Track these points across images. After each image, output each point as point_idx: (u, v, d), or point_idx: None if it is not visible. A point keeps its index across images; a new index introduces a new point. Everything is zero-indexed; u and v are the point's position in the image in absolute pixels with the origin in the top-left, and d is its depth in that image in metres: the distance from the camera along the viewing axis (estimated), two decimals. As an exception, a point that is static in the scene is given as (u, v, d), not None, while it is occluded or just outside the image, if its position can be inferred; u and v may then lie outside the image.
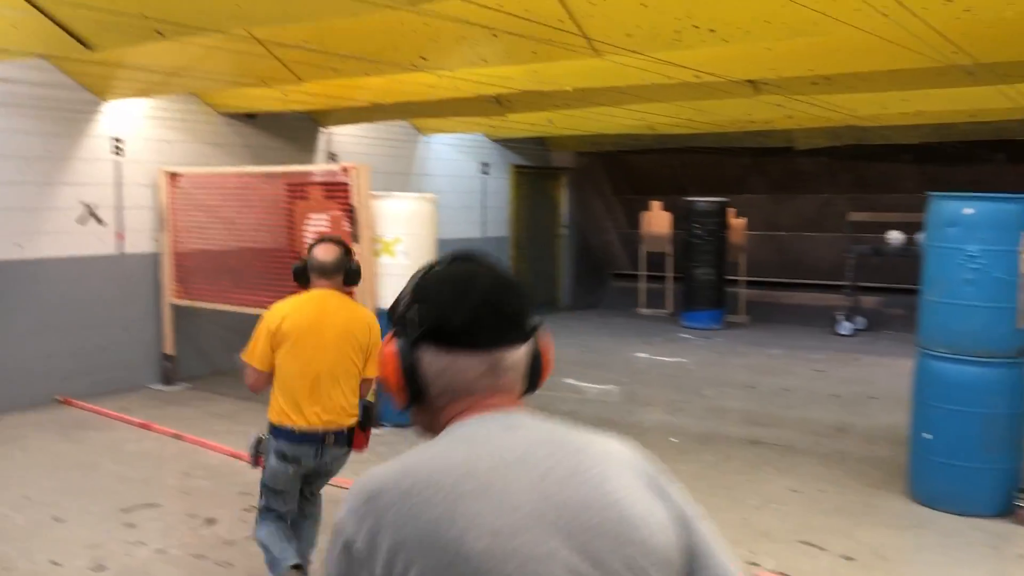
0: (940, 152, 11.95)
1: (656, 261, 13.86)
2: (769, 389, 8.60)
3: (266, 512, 3.85)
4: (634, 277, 14.42)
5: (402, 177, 11.08)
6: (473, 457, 1.21)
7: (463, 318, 1.28)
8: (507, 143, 12.81)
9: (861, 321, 12.07)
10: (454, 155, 11.99)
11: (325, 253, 3.72)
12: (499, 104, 8.58)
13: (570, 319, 13.44)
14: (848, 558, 4.54)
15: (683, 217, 12.70)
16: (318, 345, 3.65)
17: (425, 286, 1.32)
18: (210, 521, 4.95)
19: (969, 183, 12.31)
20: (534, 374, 1.36)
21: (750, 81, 6.90)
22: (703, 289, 12.45)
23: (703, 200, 12.48)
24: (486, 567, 1.11)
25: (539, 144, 13.45)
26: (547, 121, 10.34)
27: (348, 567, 1.17)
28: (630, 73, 6.28)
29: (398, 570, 1.11)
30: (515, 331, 1.32)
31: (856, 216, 11.89)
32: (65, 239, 7.69)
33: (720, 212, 12.42)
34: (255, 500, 5.24)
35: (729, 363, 9.97)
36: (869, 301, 12.58)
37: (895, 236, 11.10)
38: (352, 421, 3.75)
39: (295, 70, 6.57)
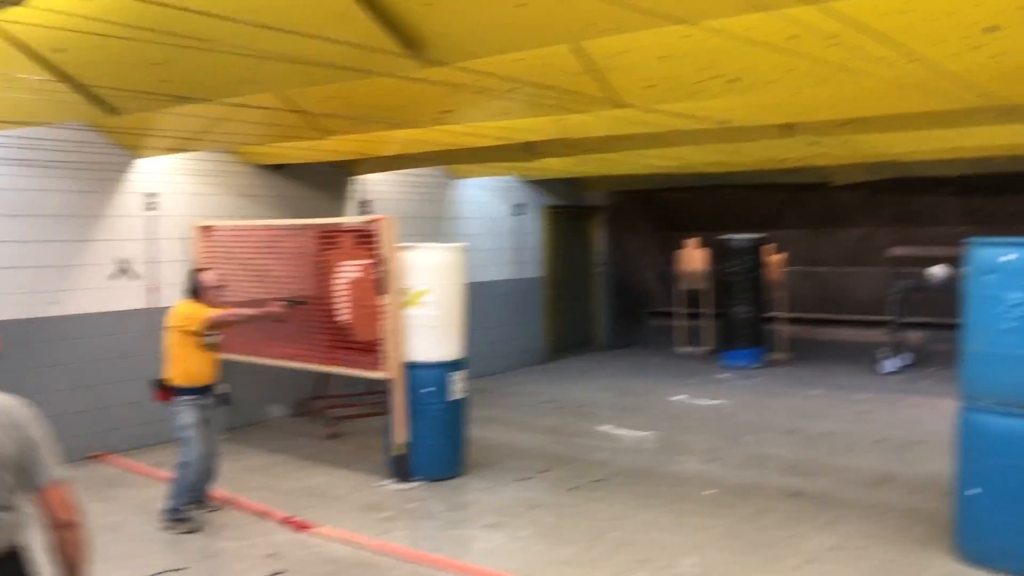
0: (982, 184, 11.67)
1: (693, 298, 13.70)
2: (810, 434, 8.38)
3: None
4: (672, 315, 14.26)
5: (435, 221, 11.10)
6: None
7: None
8: (540, 184, 12.79)
9: (905, 358, 11.76)
10: (487, 197, 11.99)
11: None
12: (527, 151, 8.57)
13: (607, 359, 13.30)
14: (891, 626, 4.35)
15: (720, 254, 12.54)
16: None
17: None
18: (235, 587, 4.90)
19: (1012, 216, 12.05)
20: None
21: (780, 125, 6.79)
22: (741, 327, 12.25)
23: (739, 236, 12.31)
24: None
25: (572, 184, 13.40)
26: (578, 164, 10.31)
27: None
28: (657, 120, 6.21)
29: None
30: None
31: (898, 250, 11.63)
32: (98, 294, 7.78)
33: (757, 248, 12.24)
34: (283, 563, 5.22)
35: (769, 405, 9.75)
36: (913, 337, 12.28)
37: (938, 271, 10.82)
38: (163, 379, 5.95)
39: (321, 126, 6.62)
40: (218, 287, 6.10)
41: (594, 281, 14.28)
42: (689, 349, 13.61)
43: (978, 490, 4.97)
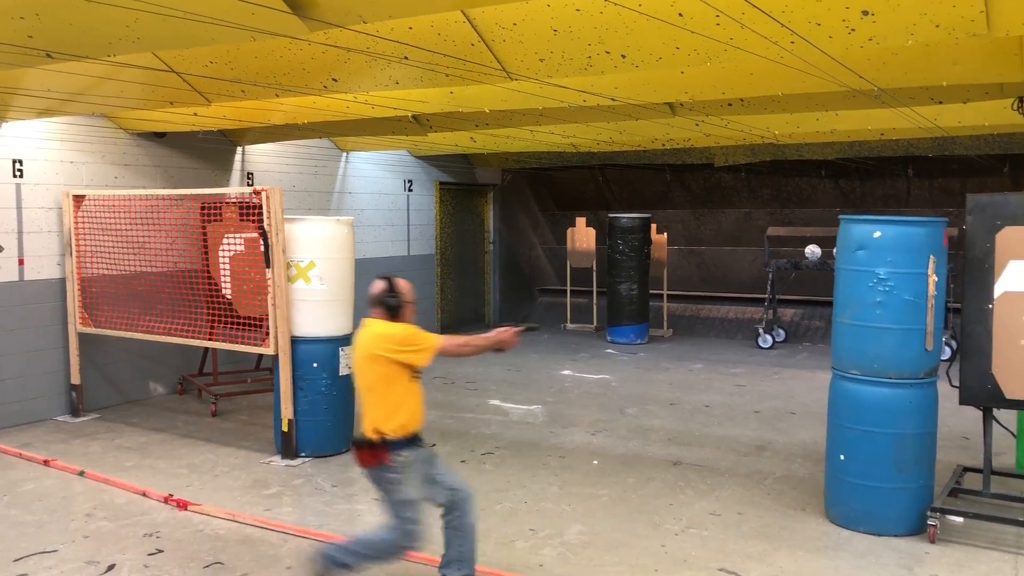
0: (854, 168, 12.25)
1: (582, 276, 13.91)
2: (691, 406, 8.65)
3: None
4: (561, 292, 14.47)
5: (323, 195, 10.88)
6: None
7: None
8: (431, 160, 12.71)
9: (780, 334, 12.28)
10: (377, 172, 11.82)
11: (371, 287, 4.36)
12: (418, 123, 8.49)
13: (497, 336, 13.36)
14: (765, 584, 4.55)
15: (607, 232, 12.76)
16: (354, 366, 4.44)
17: None
18: (110, 568, 4.71)
19: (881, 198, 12.72)
20: None
21: (667, 103, 6.93)
22: (627, 304, 12.51)
23: (626, 216, 12.55)
24: None
25: (464, 161, 13.38)
26: (470, 139, 10.28)
27: None
28: (549, 94, 6.25)
29: None
30: None
31: (775, 231, 12.10)
32: (-40, 266, 7.32)
33: (643, 227, 12.51)
34: (160, 543, 5.05)
35: (652, 379, 10.01)
36: (788, 313, 12.83)
37: (812, 250, 11.31)
38: (367, 433, 4.20)
39: (203, 91, 6.37)
40: (414, 301, 4.42)
41: (485, 258, 14.31)
42: (577, 326, 13.83)
43: (843, 456, 5.24)
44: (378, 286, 4.29)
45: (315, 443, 6.77)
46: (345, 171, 11.30)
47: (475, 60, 5.10)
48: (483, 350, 4.47)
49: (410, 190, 12.42)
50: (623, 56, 4.91)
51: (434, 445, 7.16)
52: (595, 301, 13.72)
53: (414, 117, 8.12)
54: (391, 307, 4.25)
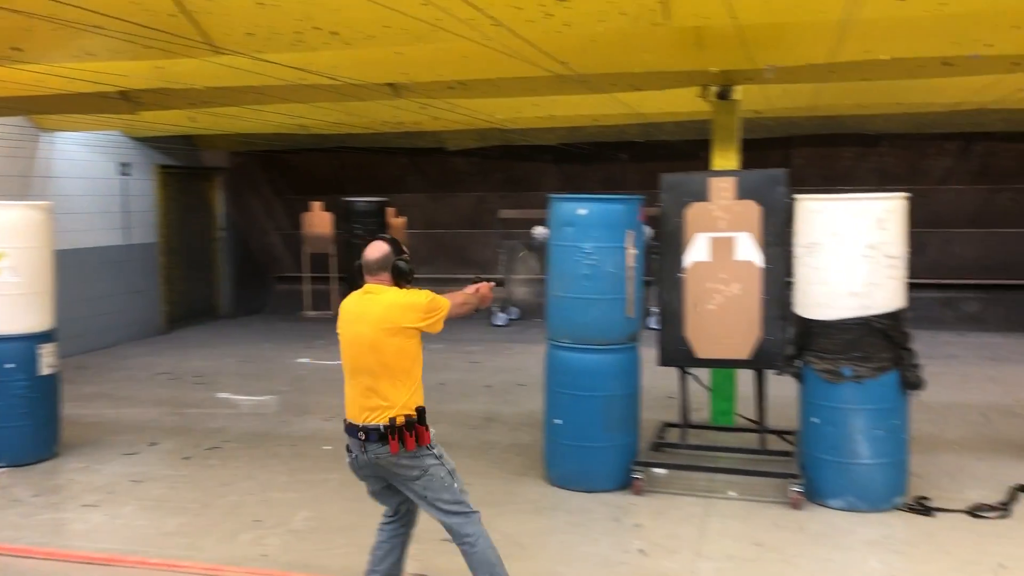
0: (575, 153, 12.96)
1: (319, 262, 13.67)
2: (428, 384, 8.64)
3: None
4: (299, 279, 14.13)
5: (20, 180, 9.83)
6: None
7: None
8: (150, 142, 11.87)
9: (515, 311, 12.77)
10: (87, 155, 10.87)
11: (369, 250, 3.74)
12: (126, 100, 7.89)
13: (231, 327, 12.84)
14: (487, 549, 4.71)
15: (344, 217, 12.61)
16: (351, 341, 3.72)
17: None
18: None
19: (601, 181, 13.57)
20: None
21: (389, 84, 6.94)
22: (366, 289, 12.45)
23: (362, 200, 12.48)
24: None
25: (188, 143, 12.63)
26: (189, 119, 9.72)
27: None
28: (264, 71, 6.03)
29: None
30: None
31: (506, 213, 12.54)
32: None
33: (380, 211, 12.49)
34: None
35: (391, 362, 10.04)
36: (521, 292, 13.36)
37: (539, 231, 11.81)
38: (388, 417, 3.65)
39: None
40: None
41: (215, 246, 13.65)
42: (316, 313, 13.57)
43: (559, 421, 5.55)
44: (381, 248, 3.72)
45: (12, 451, 6.14)
46: (47, 154, 10.28)
47: (177, 32, 4.81)
48: (475, 308, 4.08)
49: (127, 174, 11.54)
50: (334, 33, 4.85)
51: (156, 443, 6.76)
52: (335, 287, 13.53)
53: (121, 93, 7.54)
54: (404, 272, 3.70)
